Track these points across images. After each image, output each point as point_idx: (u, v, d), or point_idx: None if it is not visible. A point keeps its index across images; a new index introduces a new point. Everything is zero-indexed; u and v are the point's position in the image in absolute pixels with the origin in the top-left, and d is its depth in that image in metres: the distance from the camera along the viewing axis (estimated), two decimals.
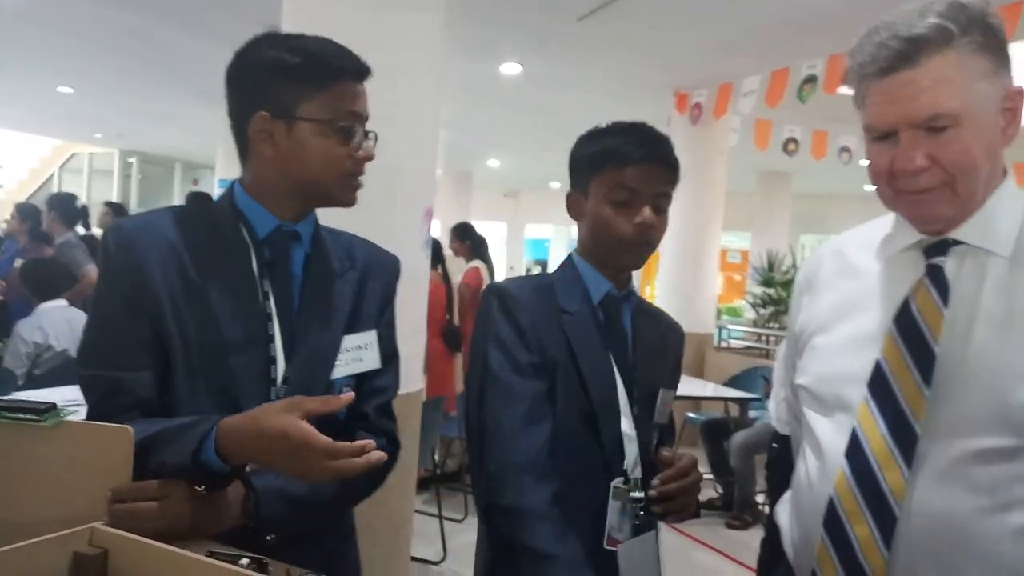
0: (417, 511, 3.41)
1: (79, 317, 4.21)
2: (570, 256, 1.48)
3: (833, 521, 1.07)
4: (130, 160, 15.71)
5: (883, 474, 1.03)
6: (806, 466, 1.16)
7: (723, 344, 9.78)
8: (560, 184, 15.48)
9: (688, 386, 5.22)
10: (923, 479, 1.02)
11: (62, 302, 4.22)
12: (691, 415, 5.79)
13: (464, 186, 14.21)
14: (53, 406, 1.06)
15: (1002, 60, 1.03)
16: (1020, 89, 1.05)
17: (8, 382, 3.79)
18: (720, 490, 5.14)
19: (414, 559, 3.48)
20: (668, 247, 6.61)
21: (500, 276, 7.42)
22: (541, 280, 1.45)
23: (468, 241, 6.20)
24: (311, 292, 1.26)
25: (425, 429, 3.58)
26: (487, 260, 6.18)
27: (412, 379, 2.63)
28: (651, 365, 1.44)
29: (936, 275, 1.07)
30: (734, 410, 5.58)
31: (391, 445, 1.35)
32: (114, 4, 5.51)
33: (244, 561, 0.93)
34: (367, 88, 1.26)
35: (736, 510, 4.85)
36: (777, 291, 9.57)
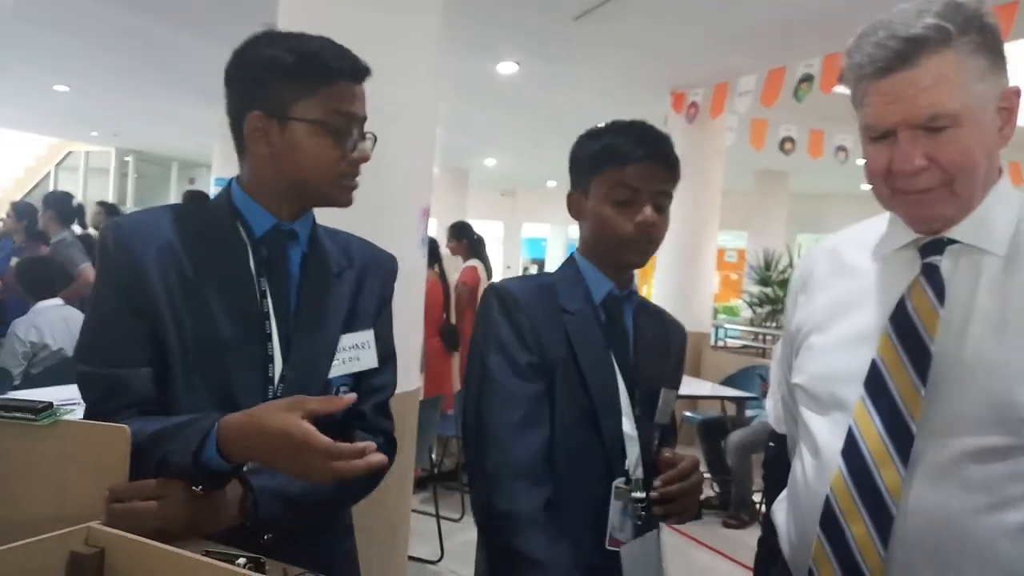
0: (414, 510, 3.41)
1: (75, 316, 4.20)
2: (572, 255, 1.47)
3: (830, 520, 1.07)
4: (126, 159, 15.69)
5: (879, 473, 1.03)
6: (802, 465, 1.17)
7: (720, 343, 9.81)
8: (557, 183, 15.48)
9: (685, 385, 5.21)
10: (919, 478, 1.02)
11: (58, 301, 4.21)
12: (688, 414, 5.80)
13: (461, 185, 14.20)
14: (49, 405, 1.06)
15: (998, 60, 1.03)
16: (1016, 89, 1.05)
17: (5, 381, 3.79)
18: (717, 489, 5.15)
19: (411, 558, 3.48)
20: (665, 246, 6.59)
21: (497, 275, 7.43)
22: (543, 280, 1.45)
23: (465, 240, 6.21)
24: (308, 291, 1.26)
25: (422, 428, 3.58)
26: (484, 259, 6.19)
27: (409, 378, 2.63)
28: (653, 365, 1.44)
29: (932, 274, 1.07)
30: (731, 409, 5.59)
31: (388, 444, 1.35)
32: (112, 3, 5.50)
33: (241, 560, 0.93)
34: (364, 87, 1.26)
35: (733, 509, 4.85)
36: (774, 290, 9.59)
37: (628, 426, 1.37)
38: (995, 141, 1.05)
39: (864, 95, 1.05)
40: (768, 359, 6.67)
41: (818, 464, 1.12)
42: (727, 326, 10.80)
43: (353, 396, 1.11)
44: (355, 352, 1.29)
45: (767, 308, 9.72)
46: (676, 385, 1.51)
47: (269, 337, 1.21)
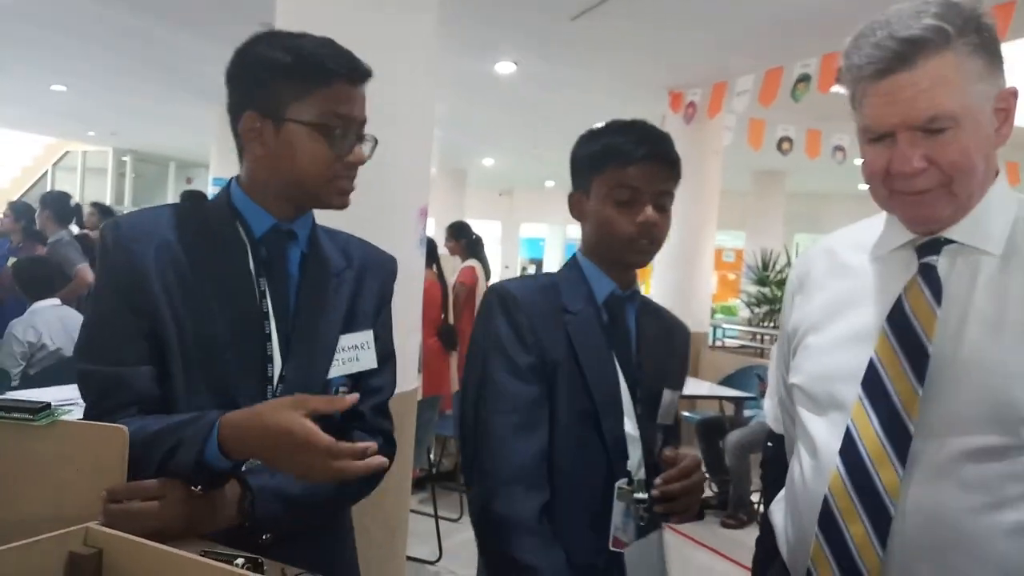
0: (413, 510, 3.41)
1: (72, 316, 4.20)
2: (575, 256, 1.47)
3: (828, 520, 1.07)
4: (124, 158, 15.66)
5: (878, 472, 1.03)
6: (800, 465, 1.17)
7: (718, 343, 9.81)
8: (555, 183, 15.48)
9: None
10: (917, 478, 1.02)
11: (55, 301, 4.20)
12: (686, 414, 5.80)
13: (459, 185, 14.19)
14: (47, 405, 1.06)
15: (996, 61, 1.03)
16: (1013, 89, 1.05)
17: (3, 382, 3.79)
18: (715, 489, 5.16)
19: (410, 558, 3.48)
20: (663, 246, 6.63)
21: (495, 275, 7.43)
22: (545, 280, 1.45)
23: (464, 240, 6.21)
24: (307, 291, 1.26)
25: (421, 428, 3.58)
26: (483, 259, 6.19)
27: (407, 378, 2.62)
28: (655, 365, 1.44)
29: (929, 274, 1.07)
30: (729, 409, 5.60)
31: (387, 445, 1.35)
32: (110, 2, 5.49)
33: (239, 561, 0.93)
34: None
35: (731, 509, 4.86)
36: (772, 290, 9.59)
37: (630, 427, 1.37)
38: (992, 142, 1.05)
39: (863, 96, 1.04)
40: (766, 359, 6.67)
41: (816, 464, 1.12)
42: (725, 326, 10.80)
43: (355, 396, 1.11)
44: (354, 352, 1.29)
45: (765, 308, 9.73)
46: (679, 386, 1.50)
47: (268, 337, 1.21)
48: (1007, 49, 1.05)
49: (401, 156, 2.44)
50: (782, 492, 1.26)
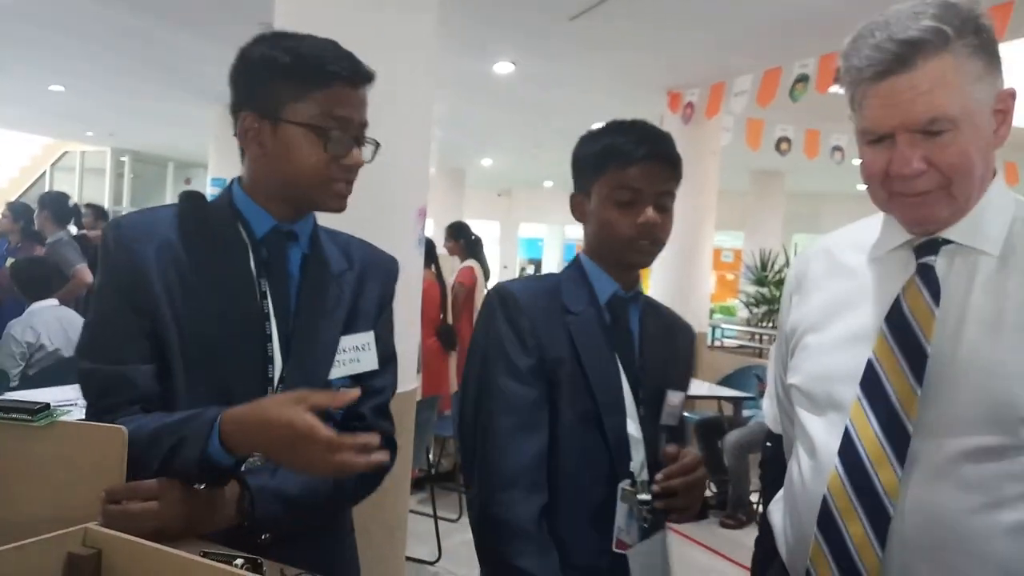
0: (412, 511, 3.41)
1: (70, 317, 4.20)
2: (578, 256, 1.47)
3: (827, 520, 1.07)
4: (122, 159, 15.64)
5: (876, 473, 1.03)
6: (799, 466, 1.17)
7: (717, 343, 9.81)
8: (553, 183, 15.49)
9: None
10: (916, 478, 1.02)
11: (53, 301, 4.20)
12: (686, 414, 5.79)
13: (457, 185, 14.19)
14: (46, 406, 1.06)
15: (994, 61, 1.03)
16: (1011, 90, 1.05)
17: (2, 383, 3.78)
18: (714, 489, 5.16)
19: (409, 559, 3.48)
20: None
21: (494, 275, 7.43)
22: (548, 281, 1.45)
23: (463, 240, 6.21)
24: (308, 292, 1.26)
25: (420, 428, 3.58)
26: (481, 259, 6.19)
27: (407, 378, 2.62)
28: (659, 366, 1.43)
29: (927, 274, 1.08)
30: (728, 409, 5.60)
31: (388, 446, 1.35)
32: (108, 2, 5.49)
33: (238, 561, 0.93)
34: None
35: (730, 509, 4.86)
36: (770, 290, 9.60)
37: (633, 428, 1.36)
38: (991, 143, 1.05)
39: (862, 98, 1.04)
40: (765, 359, 6.67)
41: (815, 464, 1.12)
42: (724, 326, 10.80)
43: (356, 392, 1.11)
44: (355, 354, 1.29)
45: (763, 308, 9.73)
46: (684, 387, 1.49)
47: (269, 338, 1.21)
48: (1004, 50, 1.05)
49: (400, 156, 2.44)
50: (780, 492, 1.26)
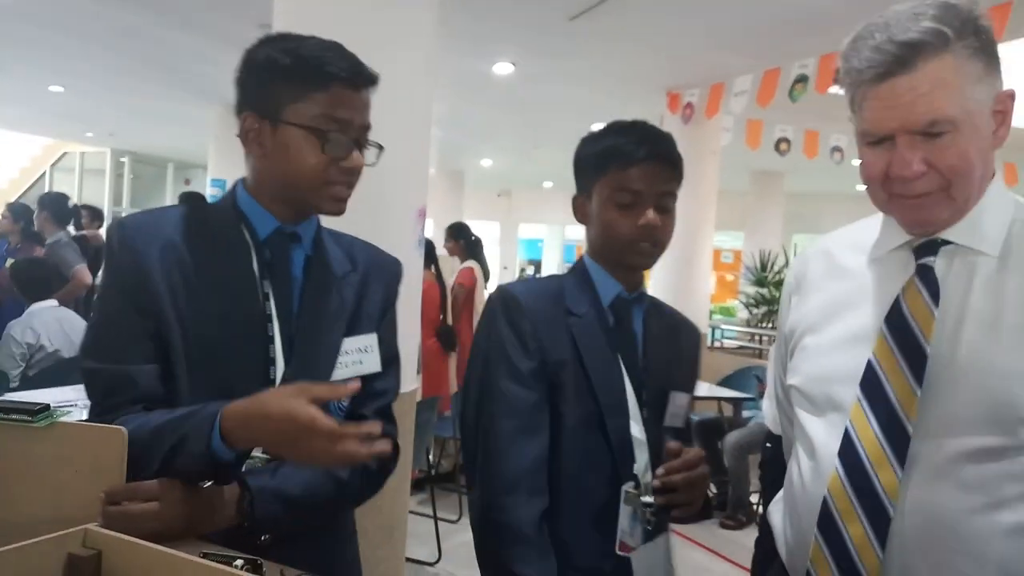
0: (412, 512, 3.41)
1: (70, 317, 4.20)
2: (582, 258, 1.47)
3: (827, 521, 1.07)
4: (122, 159, 15.64)
5: (877, 473, 1.03)
6: (799, 467, 1.17)
7: (716, 344, 9.81)
8: (553, 183, 15.48)
9: None
10: (916, 479, 1.02)
11: (52, 302, 4.20)
12: None
13: (457, 186, 14.19)
14: (46, 407, 1.06)
15: (993, 63, 1.03)
16: (1011, 92, 1.05)
17: (2, 384, 3.78)
18: (714, 490, 5.16)
19: (409, 560, 3.48)
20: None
21: (494, 276, 7.43)
22: (550, 283, 1.45)
23: (463, 241, 6.21)
24: (311, 294, 1.26)
25: (420, 429, 3.58)
26: (481, 260, 6.19)
27: (407, 379, 2.62)
28: (663, 368, 1.43)
29: (926, 275, 1.08)
30: (728, 410, 5.59)
31: (391, 449, 1.35)
32: (108, 2, 5.48)
33: (238, 562, 0.93)
34: None
35: (730, 510, 4.86)
36: (770, 291, 9.60)
37: (636, 430, 1.36)
38: (990, 144, 1.05)
39: (862, 100, 1.04)
40: (764, 360, 6.67)
41: (815, 465, 1.12)
42: (723, 327, 10.80)
43: (357, 384, 1.11)
44: (358, 356, 1.29)
45: (763, 309, 9.74)
46: (690, 388, 1.48)
47: (271, 339, 1.21)
48: (1003, 50, 1.05)
49: (399, 156, 2.42)
50: (780, 493, 1.26)
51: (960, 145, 1.00)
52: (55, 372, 3.77)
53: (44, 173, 16.65)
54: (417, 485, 4.42)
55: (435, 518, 4.14)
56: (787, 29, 5.07)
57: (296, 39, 1.22)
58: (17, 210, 6.27)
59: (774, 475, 1.32)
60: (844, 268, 1.19)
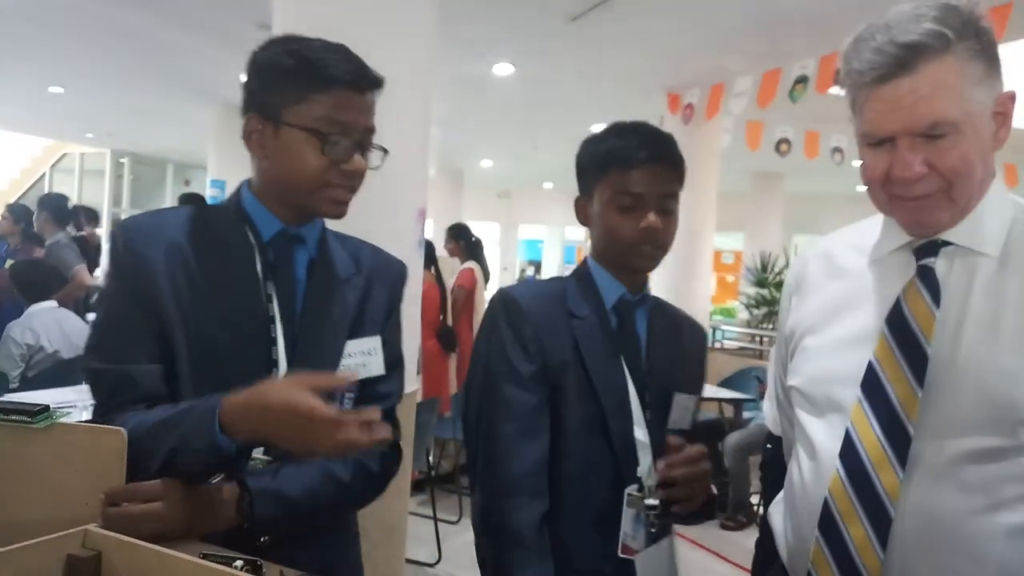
0: (412, 513, 3.41)
1: (69, 318, 4.20)
2: (585, 260, 1.47)
3: (828, 522, 1.07)
4: (122, 160, 15.64)
5: (878, 475, 1.03)
6: (799, 468, 1.17)
7: (717, 345, 9.81)
8: (553, 184, 15.49)
9: None
10: (917, 480, 1.02)
11: (52, 303, 4.20)
12: None
13: (457, 187, 14.19)
14: (46, 408, 1.06)
15: (994, 64, 1.03)
16: (1011, 93, 1.05)
17: (1, 384, 3.78)
18: (715, 491, 5.14)
19: (409, 561, 3.47)
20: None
21: (494, 277, 7.43)
22: (553, 285, 1.45)
23: (463, 242, 6.21)
24: (314, 296, 1.26)
25: (420, 430, 3.58)
26: (482, 261, 6.19)
27: (407, 380, 2.61)
28: (667, 370, 1.42)
29: (927, 276, 1.08)
30: (728, 411, 5.59)
31: (394, 452, 1.35)
32: (109, 2, 5.48)
33: (238, 563, 0.93)
34: None
35: (731, 511, 4.86)
36: (770, 292, 9.61)
37: (640, 432, 1.35)
38: (991, 145, 1.05)
39: (863, 102, 1.04)
40: (765, 361, 6.68)
41: (815, 467, 1.12)
42: (724, 328, 10.80)
43: (355, 373, 1.11)
44: (362, 359, 1.28)
45: (764, 310, 9.74)
46: (696, 388, 1.47)
47: (274, 341, 1.21)
48: (1004, 51, 1.05)
49: (399, 157, 2.42)
50: (781, 494, 1.26)
51: (961, 147, 1.00)
52: (54, 373, 3.77)
53: (44, 174, 16.65)
54: (417, 486, 4.42)
55: (435, 519, 4.14)
56: (787, 29, 5.08)
57: (301, 41, 1.22)
58: (17, 211, 6.27)
59: (775, 476, 1.32)
60: (844, 269, 1.19)
